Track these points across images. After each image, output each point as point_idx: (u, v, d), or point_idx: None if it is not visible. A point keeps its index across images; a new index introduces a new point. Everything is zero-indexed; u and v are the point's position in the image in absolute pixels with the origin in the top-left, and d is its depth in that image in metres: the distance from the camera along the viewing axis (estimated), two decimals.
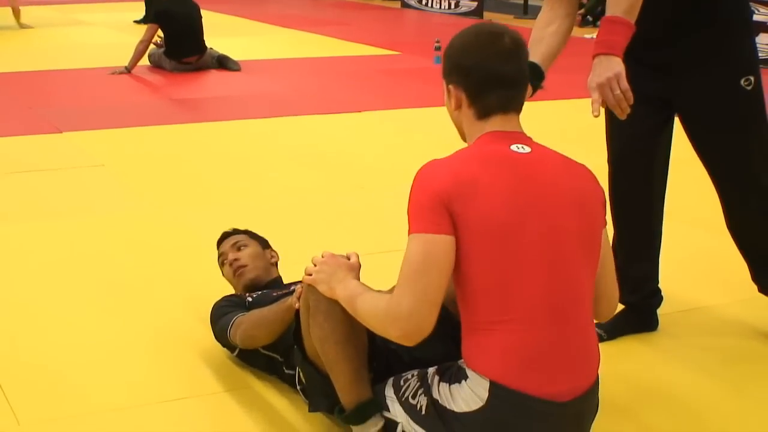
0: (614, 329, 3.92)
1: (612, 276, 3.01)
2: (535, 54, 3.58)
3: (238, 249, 3.97)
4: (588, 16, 14.06)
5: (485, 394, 2.68)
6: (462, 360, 2.77)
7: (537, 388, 2.67)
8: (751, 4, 3.90)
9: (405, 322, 2.67)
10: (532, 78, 3.40)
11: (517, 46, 2.84)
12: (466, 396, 2.72)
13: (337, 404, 3.08)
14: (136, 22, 14.44)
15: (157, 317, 4.22)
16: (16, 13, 14.03)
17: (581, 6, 12.15)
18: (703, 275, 4.68)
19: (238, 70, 10.63)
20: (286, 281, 3.95)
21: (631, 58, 3.48)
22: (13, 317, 4.25)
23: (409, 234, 2.67)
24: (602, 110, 3.39)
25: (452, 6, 16.98)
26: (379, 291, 2.85)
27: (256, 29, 14.82)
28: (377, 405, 3.02)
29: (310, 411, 3.32)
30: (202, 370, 3.76)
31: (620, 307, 3.83)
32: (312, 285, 3.01)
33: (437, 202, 2.65)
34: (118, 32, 13.94)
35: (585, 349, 2.81)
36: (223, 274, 4.04)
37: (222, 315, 3.71)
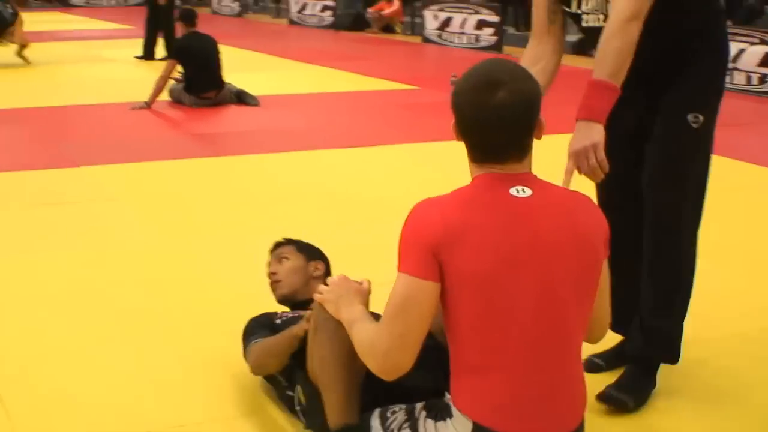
0: (614, 359, 3.90)
1: (606, 302, 2.98)
2: None
3: (279, 261, 3.93)
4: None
5: None
6: (449, 397, 2.76)
7: (517, 430, 2.68)
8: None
9: (382, 360, 2.72)
10: None
11: (513, 100, 2.66)
12: None
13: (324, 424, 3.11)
14: (137, 57, 14.80)
15: (168, 345, 4.24)
16: (24, 45, 14.11)
17: None
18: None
19: (257, 105, 10.70)
20: None
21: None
22: (26, 342, 4.30)
23: (398, 270, 2.67)
24: None
25: (472, 40, 17.01)
26: (378, 323, 2.84)
27: (277, 64, 14.95)
28: (363, 429, 3.03)
29: (305, 428, 3.38)
30: (215, 394, 3.79)
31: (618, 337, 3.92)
32: (321, 304, 3.08)
33: (426, 248, 2.63)
34: (139, 68, 14.07)
35: (571, 395, 2.80)
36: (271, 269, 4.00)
37: (246, 336, 3.74)
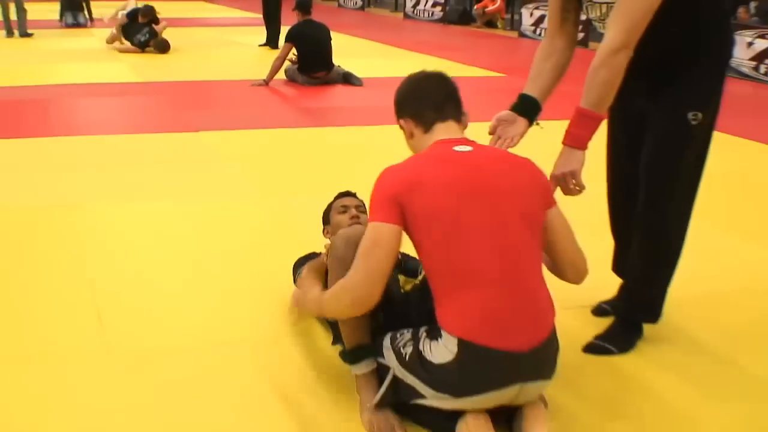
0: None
1: (573, 245, 3.16)
2: (534, 88, 3.62)
3: (361, 212, 4.02)
4: None
5: (455, 349, 2.82)
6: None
7: (497, 342, 2.80)
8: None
9: (355, 291, 2.93)
10: (529, 112, 3.57)
11: (441, 74, 3.24)
12: (442, 350, 2.86)
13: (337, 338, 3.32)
14: (260, 45, 14.86)
15: (239, 277, 4.53)
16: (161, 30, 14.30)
17: None
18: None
19: (361, 85, 10.91)
20: None
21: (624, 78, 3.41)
22: (129, 269, 4.64)
23: (368, 222, 2.97)
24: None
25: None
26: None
27: (385, 52, 15.06)
28: (371, 351, 3.19)
29: (332, 344, 3.64)
30: (267, 317, 4.03)
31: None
32: (333, 245, 3.24)
33: (388, 197, 2.91)
34: (264, 51, 14.40)
35: (537, 306, 2.92)
36: (329, 221, 4.09)
37: (295, 268, 4.00)
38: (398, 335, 3.06)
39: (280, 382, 3.47)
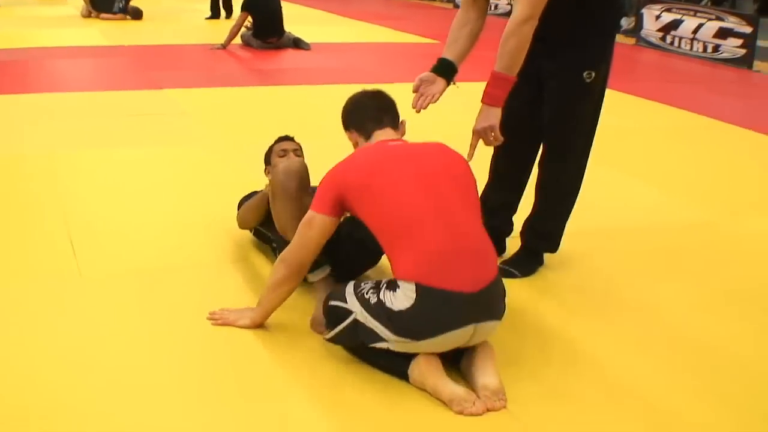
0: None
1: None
2: (451, 53, 3.68)
3: (298, 155, 4.07)
4: None
5: (413, 295, 2.86)
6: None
7: (450, 283, 2.86)
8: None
9: (289, 258, 3.16)
10: (447, 73, 3.67)
11: (379, 91, 3.41)
12: (400, 298, 2.89)
13: None
14: (207, 18, 14.10)
15: (191, 210, 4.70)
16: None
17: None
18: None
19: (309, 49, 10.92)
20: None
21: None
22: (98, 201, 4.80)
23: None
24: None
25: (491, 8, 17.02)
26: None
27: (332, 20, 15.02)
28: (324, 261, 3.38)
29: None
30: (211, 245, 4.20)
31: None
32: (272, 182, 3.43)
33: (326, 191, 3.09)
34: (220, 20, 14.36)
35: (478, 247, 2.99)
36: (269, 162, 4.12)
37: (239, 206, 4.12)
38: (361, 284, 3.08)
39: (230, 300, 3.60)
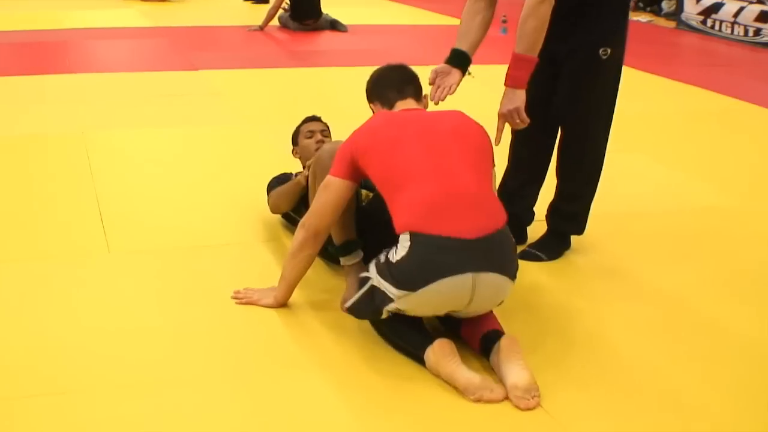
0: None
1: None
2: (464, 44, 3.70)
3: (325, 135, 4.12)
4: (639, 3, 13.99)
5: (408, 243, 2.89)
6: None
7: (442, 229, 2.87)
8: None
9: (308, 221, 3.23)
10: (462, 64, 3.69)
11: (402, 65, 3.46)
12: (399, 249, 2.93)
13: (329, 243, 3.46)
14: (249, 0, 13.83)
15: (218, 189, 4.76)
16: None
17: None
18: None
19: (346, 31, 10.90)
20: None
21: None
22: (128, 179, 4.89)
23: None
24: None
25: None
26: None
27: (370, 2, 14.86)
28: (358, 243, 3.41)
29: None
30: (243, 225, 4.25)
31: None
32: (315, 164, 3.46)
33: (344, 156, 3.15)
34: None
35: (478, 200, 2.98)
36: (297, 143, 4.18)
37: (269, 188, 4.14)
38: (380, 255, 3.10)
39: (258, 279, 3.62)
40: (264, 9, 11.17)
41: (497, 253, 2.94)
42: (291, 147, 4.24)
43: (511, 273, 3.00)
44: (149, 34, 10.47)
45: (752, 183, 5.31)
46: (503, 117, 3.53)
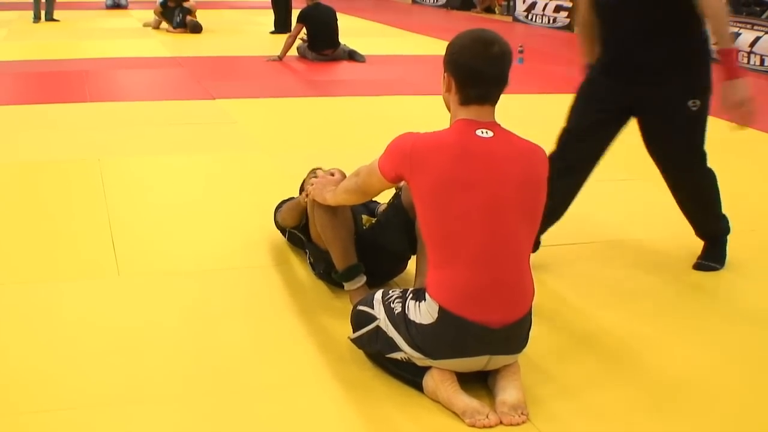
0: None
1: None
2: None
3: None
4: None
5: (435, 315, 2.86)
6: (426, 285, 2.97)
7: (474, 315, 2.84)
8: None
9: (344, 185, 3.32)
10: None
11: (503, 54, 2.90)
12: (423, 313, 2.89)
13: (332, 269, 3.54)
14: (271, 32, 13.85)
15: (232, 217, 4.82)
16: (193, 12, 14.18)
17: None
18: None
19: (363, 61, 11.02)
20: None
21: (602, 72, 3.86)
22: (143, 203, 4.98)
23: (378, 159, 3.06)
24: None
25: (550, 21, 17.11)
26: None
27: (388, 32, 15.14)
28: (360, 268, 3.48)
29: (314, 274, 3.86)
30: (254, 250, 4.31)
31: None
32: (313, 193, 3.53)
33: (395, 158, 2.95)
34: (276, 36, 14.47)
35: (517, 290, 2.93)
36: (302, 190, 4.13)
37: (276, 210, 4.27)
38: (389, 291, 3.09)
39: (267, 303, 3.71)
40: (282, 39, 11.29)
41: (514, 340, 2.97)
42: (305, 174, 4.31)
43: (521, 350, 3.03)
44: (169, 64, 10.66)
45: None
46: (733, 107, 3.69)
